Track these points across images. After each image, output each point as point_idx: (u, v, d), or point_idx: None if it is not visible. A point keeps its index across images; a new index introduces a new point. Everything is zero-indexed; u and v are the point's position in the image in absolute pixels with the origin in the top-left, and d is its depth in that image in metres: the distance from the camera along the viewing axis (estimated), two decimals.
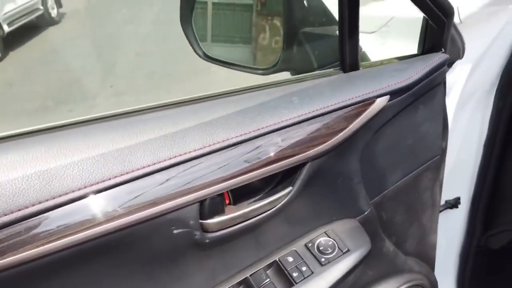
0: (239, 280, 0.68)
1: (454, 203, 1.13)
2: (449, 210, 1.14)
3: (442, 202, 1.13)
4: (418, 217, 0.90)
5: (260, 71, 0.92)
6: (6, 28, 5.13)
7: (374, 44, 0.95)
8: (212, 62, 0.95)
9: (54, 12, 6.21)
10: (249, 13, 1.00)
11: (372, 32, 1.25)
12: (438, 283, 0.99)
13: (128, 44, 4.83)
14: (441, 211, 1.11)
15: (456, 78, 0.98)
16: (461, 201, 1.13)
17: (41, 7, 5.97)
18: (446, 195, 1.13)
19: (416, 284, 0.90)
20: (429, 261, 0.97)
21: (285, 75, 0.89)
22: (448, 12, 0.75)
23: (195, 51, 0.95)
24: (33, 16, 5.75)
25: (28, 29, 5.58)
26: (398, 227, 0.87)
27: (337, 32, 0.72)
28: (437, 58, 0.77)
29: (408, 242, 0.91)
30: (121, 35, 5.17)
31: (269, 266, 0.69)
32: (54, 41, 5.68)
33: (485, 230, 1.14)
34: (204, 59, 0.95)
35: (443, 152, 0.89)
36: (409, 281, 0.88)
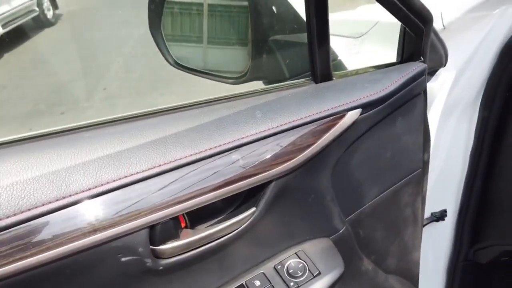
0: None
1: (440, 216, 1.09)
2: (435, 223, 1.10)
3: (428, 215, 1.09)
4: (399, 234, 0.86)
5: (230, 80, 0.87)
6: (1, 30, 5.09)
7: (352, 51, 0.90)
8: (182, 70, 0.91)
9: (49, 14, 6.18)
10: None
11: (358, 37, 1.21)
12: None
13: (122, 46, 4.79)
14: (426, 224, 1.07)
15: (440, 86, 0.94)
16: (448, 213, 1.09)
17: (37, 9, 5.94)
18: (432, 207, 1.09)
19: None
20: (412, 278, 0.92)
21: (257, 84, 0.84)
22: (426, 19, 0.71)
23: (165, 58, 0.91)
24: (28, 18, 5.72)
25: (23, 31, 5.54)
26: (378, 245, 0.82)
27: None
28: (415, 67, 0.73)
29: (389, 260, 0.86)
30: (115, 37, 5.13)
31: None
32: (49, 43, 5.64)
33: (472, 243, 1.10)
34: (174, 66, 0.91)
35: (425, 165, 0.85)
36: None
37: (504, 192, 1.02)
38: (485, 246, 1.06)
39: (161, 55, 0.93)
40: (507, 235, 1.00)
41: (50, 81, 3.99)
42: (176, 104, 0.60)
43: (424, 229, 0.99)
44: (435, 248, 1.13)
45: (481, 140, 0.97)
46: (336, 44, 0.76)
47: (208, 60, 0.91)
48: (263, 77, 0.85)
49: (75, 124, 0.54)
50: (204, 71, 0.90)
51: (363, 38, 1.00)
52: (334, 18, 0.84)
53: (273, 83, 0.74)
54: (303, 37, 0.79)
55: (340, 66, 0.83)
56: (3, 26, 5.16)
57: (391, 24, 0.97)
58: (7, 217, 0.43)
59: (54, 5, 6.22)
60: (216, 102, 0.64)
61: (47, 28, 5.95)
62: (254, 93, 0.68)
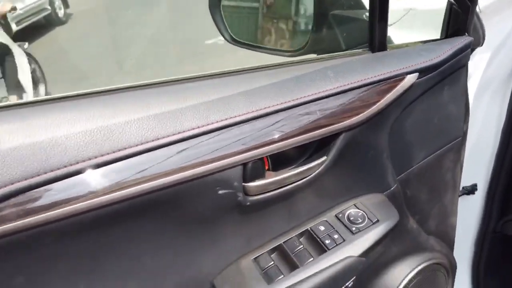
0: (272, 247, 0.70)
1: (471, 189, 1.16)
2: (465, 196, 1.17)
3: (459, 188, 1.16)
4: (440, 198, 0.93)
5: (287, 53, 0.95)
6: (14, 27, 5.18)
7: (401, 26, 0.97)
8: (239, 46, 0.98)
9: (61, 13, 6.28)
10: None
11: (390, 25, 1.28)
12: None
13: (134, 46, 4.87)
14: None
15: (476, 65, 1.01)
16: (478, 187, 1.16)
17: (49, 7, 6.04)
18: (463, 181, 1.16)
19: (437, 262, 0.92)
20: (449, 242, 0.99)
21: (313, 57, 0.92)
22: None
23: (222, 35, 0.98)
24: (40, 16, 5.82)
25: (35, 29, 5.63)
26: (421, 206, 0.89)
27: (366, 15, 0.75)
28: (462, 40, 0.80)
29: (430, 221, 0.93)
30: (127, 36, 5.22)
31: (301, 234, 0.72)
32: (60, 41, 5.73)
33: (501, 216, 1.16)
34: (231, 42, 0.98)
35: (464, 134, 0.92)
36: (431, 259, 0.90)
37: None
38: None
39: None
40: None
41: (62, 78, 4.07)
42: (255, 65, 0.67)
43: None
44: (464, 220, 1.19)
45: None
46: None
47: (266, 34, 0.98)
48: (321, 50, 0.92)
49: (172, 78, 0.62)
50: (261, 45, 0.97)
51: (410, 13, 1.05)
52: None
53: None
54: (360, 12, 0.86)
55: (389, 40, 0.90)
56: (17, 23, 5.26)
57: (423, 11, 1.03)
58: (141, 143, 0.50)
59: (65, 4, 6.34)
60: (286, 66, 0.71)
61: (59, 27, 6.06)
62: (317, 59, 0.75)
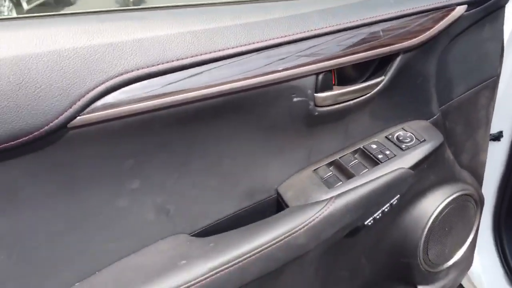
0: (329, 161, 0.79)
1: (497, 136, 1.23)
2: (491, 142, 1.24)
3: None
4: (473, 133, 1.00)
5: None
6: (26, 6, 5.22)
7: None
8: None
9: None
10: None
11: None
12: None
13: None
14: None
15: (509, 12, 1.07)
16: (504, 134, 1.23)
17: None
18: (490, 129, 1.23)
19: (468, 194, 1.00)
20: (478, 177, 1.07)
21: None
22: None
23: None
24: None
25: (46, 7, 5.66)
26: (457, 139, 0.97)
27: None
28: None
29: (463, 155, 1.01)
30: None
31: (355, 152, 0.80)
32: None
33: None
34: None
35: (498, 75, 0.99)
36: (463, 190, 0.98)
37: None
38: None
39: None
40: None
41: None
42: None
43: None
44: (489, 166, 1.27)
45: None
46: None
47: None
48: None
49: None
50: None
51: None
52: None
53: None
54: None
55: None
56: (28, 2, 5.31)
57: None
58: (237, 46, 0.58)
59: None
60: None
61: (67, 6, 6.08)
62: None
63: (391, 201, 0.82)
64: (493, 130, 1.24)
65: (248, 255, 0.64)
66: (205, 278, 0.61)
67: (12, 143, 0.46)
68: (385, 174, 0.75)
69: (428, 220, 0.93)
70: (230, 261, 0.63)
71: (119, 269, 0.61)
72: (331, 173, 0.77)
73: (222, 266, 0.62)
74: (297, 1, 0.69)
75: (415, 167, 0.78)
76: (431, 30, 0.74)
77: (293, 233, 0.67)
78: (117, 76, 0.50)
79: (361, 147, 0.80)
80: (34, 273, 0.57)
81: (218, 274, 0.62)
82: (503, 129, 1.23)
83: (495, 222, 1.36)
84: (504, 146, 1.26)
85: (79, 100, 0.48)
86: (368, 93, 0.74)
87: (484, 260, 1.36)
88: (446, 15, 0.76)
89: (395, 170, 0.76)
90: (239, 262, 0.63)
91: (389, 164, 0.76)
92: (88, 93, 0.49)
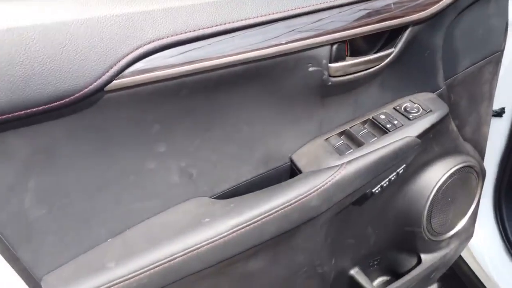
0: (340, 131, 0.83)
1: (499, 112, 1.27)
2: (494, 118, 1.28)
3: None
4: (477, 107, 1.04)
5: None
6: None
7: None
8: None
9: None
10: None
11: None
12: None
13: None
14: None
15: None
16: (506, 110, 1.27)
17: None
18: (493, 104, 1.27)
19: (470, 165, 1.04)
20: (480, 150, 1.11)
21: None
22: None
23: None
24: None
25: None
26: (461, 112, 1.01)
27: None
28: None
29: (467, 128, 1.05)
30: None
31: (365, 122, 0.84)
32: None
33: None
34: None
35: (502, 50, 1.02)
36: (465, 162, 1.03)
37: None
38: None
39: None
40: None
41: None
42: None
43: None
44: (491, 141, 1.31)
45: None
46: None
47: None
48: None
49: None
50: None
51: None
52: None
53: None
54: None
55: None
56: None
57: None
58: (254, 17, 0.62)
59: None
60: None
61: None
62: None
63: (398, 170, 0.87)
64: (496, 106, 1.28)
65: (265, 215, 0.69)
66: (227, 235, 0.66)
67: (56, 103, 0.50)
68: (393, 142, 0.79)
69: (432, 190, 0.98)
70: (249, 220, 0.67)
71: (148, 227, 0.66)
72: (342, 141, 0.81)
73: (242, 224, 0.67)
74: None
75: (421, 136, 0.82)
76: (440, 3, 0.77)
77: (307, 195, 0.72)
78: (149, 43, 0.54)
79: (371, 118, 0.84)
80: (71, 227, 0.61)
81: (238, 232, 0.67)
82: (505, 105, 1.27)
83: (495, 196, 1.41)
84: (506, 122, 1.30)
85: (115, 64, 0.52)
86: (378, 65, 0.77)
87: (484, 232, 1.41)
88: None
89: (403, 138, 0.80)
90: (257, 221, 0.68)
91: (397, 133, 0.81)
92: (123, 58, 0.53)
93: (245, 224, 0.67)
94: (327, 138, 0.82)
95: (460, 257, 1.48)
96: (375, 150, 0.78)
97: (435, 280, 1.54)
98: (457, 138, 1.01)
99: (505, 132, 1.32)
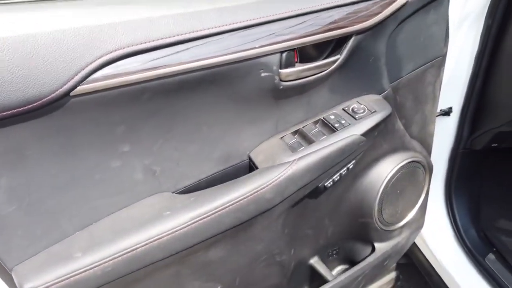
0: (294, 130, 0.90)
1: (447, 111, 1.38)
2: (442, 117, 1.39)
3: (437, 111, 1.38)
4: (422, 107, 1.14)
5: None
6: None
7: None
8: None
9: None
10: None
11: None
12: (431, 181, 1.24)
13: None
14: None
15: (455, 2, 1.20)
16: (453, 109, 1.38)
17: None
18: (441, 104, 1.37)
19: (417, 160, 1.14)
20: (427, 146, 1.21)
21: None
22: None
23: None
24: None
25: None
26: (407, 112, 1.11)
27: None
28: None
29: (413, 127, 1.15)
30: None
31: (316, 122, 0.92)
32: None
33: (470, 134, 1.39)
34: None
35: (444, 55, 1.12)
36: (413, 157, 1.12)
37: (501, 90, 1.30)
38: (480, 133, 1.35)
39: None
40: (499, 121, 1.30)
41: None
42: None
43: None
44: (440, 139, 1.42)
45: (484, 45, 1.25)
46: None
47: None
48: None
49: None
50: None
51: None
52: None
53: None
54: None
55: None
56: None
57: None
58: (213, 28, 0.68)
59: None
60: None
61: None
62: None
63: (348, 165, 0.95)
64: (444, 106, 1.39)
65: (222, 207, 0.76)
66: (187, 226, 0.72)
67: (25, 108, 0.56)
68: (340, 140, 0.87)
69: (382, 184, 1.07)
70: (207, 212, 0.74)
71: (114, 220, 0.72)
72: (295, 139, 0.89)
73: (200, 216, 0.73)
74: None
75: (366, 134, 0.91)
76: (380, 15, 0.86)
77: (261, 189, 0.79)
78: (111, 52, 0.60)
79: (322, 118, 0.92)
80: (40, 222, 0.67)
81: (197, 223, 0.73)
82: (452, 105, 1.38)
83: (446, 189, 1.53)
84: (453, 120, 1.41)
85: (79, 72, 0.58)
86: (326, 70, 0.85)
87: (436, 222, 1.52)
88: (393, 2, 0.88)
89: (349, 136, 0.88)
90: (215, 213, 0.75)
91: (344, 132, 0.89)
92: (87, 66, 0.58)
93: (204, 216, 0.73)
94: (282, 137, 0.90)
95: (416, 246, 1.59)
96: (323, 147, 0.86)
97: (390, 268, 1.65)
98: (403, 136, 1.10)
99: (453, 129, 1.43)
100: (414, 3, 0.93)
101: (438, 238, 1.51)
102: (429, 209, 1.32)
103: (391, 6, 0.87)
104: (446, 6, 1.04)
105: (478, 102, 1.34)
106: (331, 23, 0.81)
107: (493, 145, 1.38)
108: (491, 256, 1.41)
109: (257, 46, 0.73)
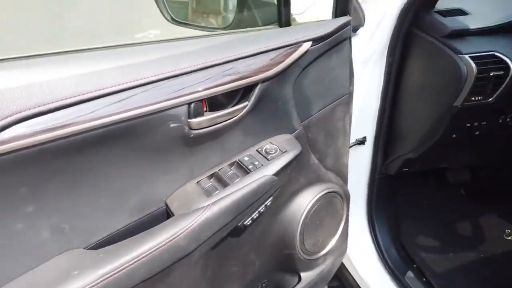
0: (210, 174, 0.93)
1: (362, 141, 1.48)
2: (358, 146, 1.49)
3: (353, 140, 1.48)
4: (334, 141, 1.22)
5: (219, 30, 1.17)
6: None
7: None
8: (178, 25, 1.18)
9: None
10: None
11: (301, 13, 1.56)
12: (352, 206, 1.32)
13: None
14: (351, 146, 1.46)
15: (360, 41, 1.32)
16: (367, 139, 1.48)
17: None
18: (356, 134, 1.48)
19: (334, 191, 1.21)
20: (343, 176, 1.29)
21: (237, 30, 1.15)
22: None
23: (163, 15, 1.18)
24: None
25: None
26: (320, 147, 1.18)
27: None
28: (344, 19, 1.08)
29: (328, 160, 1.22)
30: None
31: (231, 164, 0.96)
32: None
33: (384, 160, 1.50)
34: (171, 22, 1.18)
35: (350, 93, 1.21)
36: (329, 188, 1.19)
37: (405, 121, 1.43)
38: (392, 160, 1.47)
39: None
40: (406, 148, 1.42)
41: None
42: (177, 37, 0.89)
43: (350, 151, 1.36)
44: (359, 166, 1.52)
45: (387, 81, 1.37)
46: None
47: (200, 15, 1.20)
48: (244, 26, 1.16)
49: (133, 41, 0.81)
50: (196, 24, 1.18)
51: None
52: None
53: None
54: None
55: (294, 20, 1.17)
56: None
57: None
58: (111, 86, 0.70)
59: None
60: (214, 35, 0.93)
61: None
62: (239, 32, 0.98)
63: (265, 203, 0.99)
64: (359, 136, 1.49)
65: (134, 260, 0.75)
66: (95, 285, 0.71)
67: None
68: (253, 181, 0.91)
69: (301, 215, 1.12)
70: (118, 267, 0.74)
71: (16, 286, 0.69)
72: (211, 183, 0.91)
73: (110, 272, 0.73)
74: (168, 43, 0.83)
75: (278, 173, 0.96)
76: (283, 63, 0.92)
77: (176, 237, 0.80)
78: (9, 116, 0.59)
79: (237, 160, 0.96)
80: None
81: (107, 280, 0.73)
82: (366, 134, 1.49)
83: (368, 213, 1.62)
84: (368, 148, 1.51)
85: None
86: (235, 116, 0.89)
87: (361, 245, 1.61)
88: (295, 50, 0.95)
89: (261, 177, 0.92)
90: (127, 267, 0.75)
91: (257, 173, 0.93)
92: None
93: (114, 272, 0.73)
94: (199, 181, 0.92)
95: (345, 268, 1.67)
96: (237, 190, 0.89)
97: None
98: (318, 169, 1.17)
99: (369, 157, 1.54)
100: (315, 51, 1.00)
101: (363, 259, 1.60)
102: (353, 232, 1.40)
103: (293, 55, 0.94)
104: (348, 49, 1.14)
105: (388, 132, 1.46)
106: (237, 73, 0.86)
107: (404, 169, 1.50)
108: (410, 274, 1.51)
109: (162, 100, 0.75)
